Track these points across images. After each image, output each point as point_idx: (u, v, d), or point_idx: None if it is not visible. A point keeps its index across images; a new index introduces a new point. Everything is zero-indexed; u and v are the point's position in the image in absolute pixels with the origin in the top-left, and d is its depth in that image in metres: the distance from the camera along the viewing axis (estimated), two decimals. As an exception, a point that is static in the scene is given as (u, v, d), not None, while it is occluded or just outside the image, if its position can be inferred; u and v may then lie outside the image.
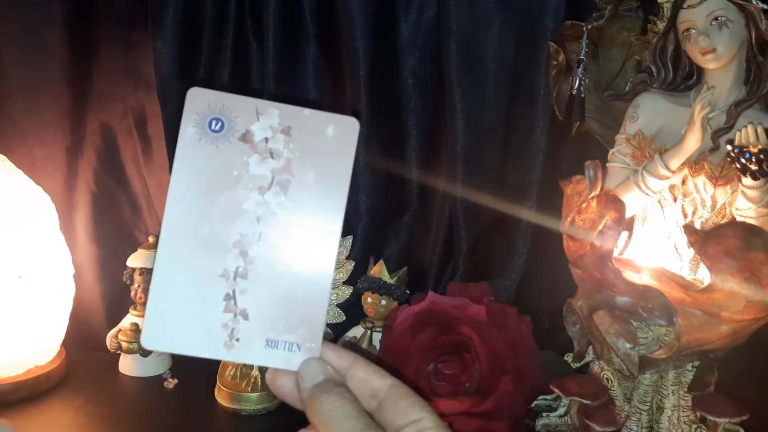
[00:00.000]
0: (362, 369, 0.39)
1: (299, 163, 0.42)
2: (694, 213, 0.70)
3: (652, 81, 0.75)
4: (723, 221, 0.68)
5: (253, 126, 0.43)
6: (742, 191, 0.65)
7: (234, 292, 0.41)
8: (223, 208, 0.42)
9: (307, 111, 0.43)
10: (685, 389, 0.70)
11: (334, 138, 0.43)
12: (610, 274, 0.65)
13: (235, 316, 0.41)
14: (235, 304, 0.41)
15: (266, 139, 0.43)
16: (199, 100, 0.43)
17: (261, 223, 0.42)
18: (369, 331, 0.89)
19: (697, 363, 0.69)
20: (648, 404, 0.72)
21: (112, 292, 1.01)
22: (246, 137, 0.43)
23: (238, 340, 0.41)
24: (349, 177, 0.43)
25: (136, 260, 0.94)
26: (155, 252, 0.99)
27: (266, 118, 0.43)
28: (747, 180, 0.64)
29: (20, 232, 0.83)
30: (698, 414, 0.70)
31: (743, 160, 0.63)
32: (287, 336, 0.41)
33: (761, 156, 0.62)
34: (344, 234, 0.94)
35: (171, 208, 0.43)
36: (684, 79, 0.74)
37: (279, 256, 0.42)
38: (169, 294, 0.41)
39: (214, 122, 0.43)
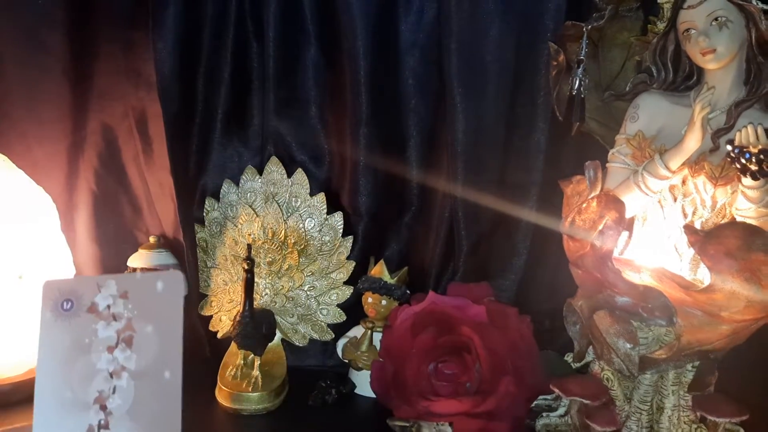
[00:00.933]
0: None
1: (138, 320, 0.51)
2: (694, 213, 0.70)
3: (652, 81, 0.75)
4: (723, 221, 0.68)
5: (96, 297, 0.52)
6: (742, 191, 0.65)
7: None
8: (80, 372, 0.50)
9: (138, 274, 0.54)
10: (686, 389, 0.70)
11: (163, 291, 0.52)
12: (611, 274, 0.65)
13: None
14: None
15: (108, 306, 0.51)
16: (51, 290, 0.52)
17: (114, 378, 0.50)
18: (369, 331, 0.89)
19: (697, 363, 0.69)
20: (648, 404, 0.72)
21: (113, 293, 1.01)
22: (92, 308, 0.52)
23: None
24: (181, 322, 0.52)
25: (136, 260, 0.94)
26: (156, 252, 0.99)
27: (106, 288, 0.52)
28: (747, 180, 0.64)
29: (21, 233, 0.83)
30: (698, 414, 0.70)
31: (743, 161, 0.63)
32: None
33: (761, 156, 0.62)
34: (345, 234, 0.95)
35: (39, 380, 0.51)
36: (684, 79, 0.74)
37: (133, 403, 0.50)
38: None
39: (65, 303, 0.52)
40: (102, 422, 0.50)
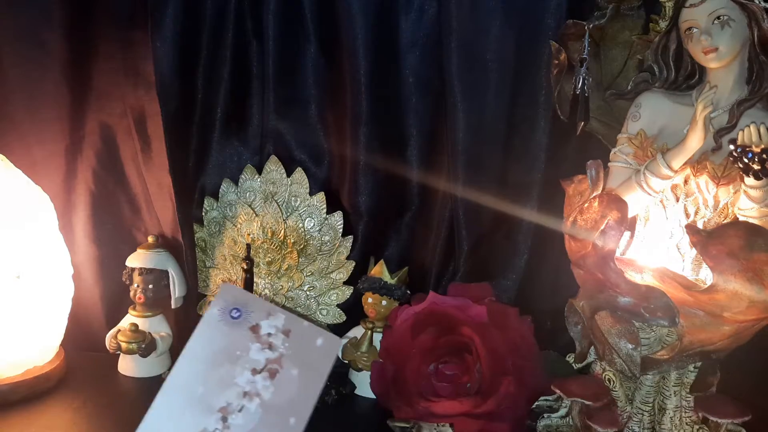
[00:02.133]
0: None
1: (289, 359, 0.53)
2: (696, 213, 0.70)
3: (654, 80, 0.75)
4: (725, 221, 0.68)
5: (263, 322, 0.54)
6: (745, 191, 0.65)
7: None
8: (219, 377, 0.52)
9: (306, 323, 0.55)
10: (688, 390, 0.70)
11: (321, 348, 0.54)
12: (612, 274, 0.65)
13: None
14: None
15: (269, 334, 0.54)
16: (228, 293, 0.55)
17: (245, 398, 0.52)
18: (369, 332, 0.89)
19: (699, 364, 0.69)
20: (650, 405, 0.72)
21: (112, 293, 1.00)
22: (255, 328, 0.54)
23: None
24: (324, 380, 0.54)
25: (135, 260, 0.94)
26: (155, 252, 0.98)
27: (274, 319, 0.54)
28: (749, 180, 0.64)
29: (19, 232, 0.82)
30: (700, 415, 0.70)
31: (746, 160, 0.62)
32: None
33: (764, 155, 0.62)
34: (344, 234, 0.94)
35: (180, 365, 0.53)
36: (686, 78, 0.74)
37: (252, 429, 0.51)
38: None
39: (234, 311, 0.54)
40: None
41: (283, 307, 0.62)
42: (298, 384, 0.52)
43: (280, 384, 0.52)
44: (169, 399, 0.52)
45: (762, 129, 0.63)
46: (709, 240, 0.62)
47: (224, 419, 0.51)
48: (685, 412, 0.71)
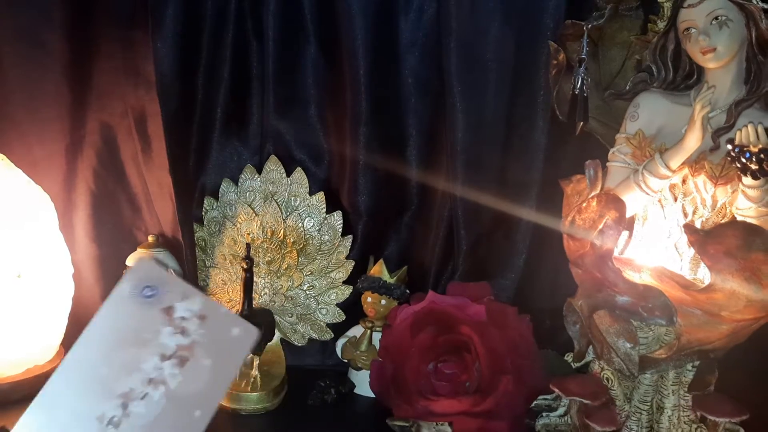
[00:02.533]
0: None
1: (202, 348, 0.49)
2: (694, 212, 0.70)
3: (653, 80, 0.75)
4: (723, 221, 0.68)
5: (178, 304, 0.49)
6: (743, 191, 0.65)
7: None
8: (124, 360, 0.48)
9: (224, 309, 0.51)
10: (686, 389, 0.70)
11: (237, 338, 0.49)
12: (611, 273, 0.65)
13: None
14: None
15: (183, 318, 0.49)
16: (142, 269, 0.50)
17: (150, 385, 0.47)
18: (369, 331, 0.89)
19: (697, 363, 0.69)
20: (648, 404, 0.72)
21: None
22: (168, 310, 0.49)
23: None
24: (236, 373, 0.52)
25: (135, 259, 0.94)
26: (155, 251, 0.98)
27: (190, 302, 0.50)
28: (747, 179, 0.64)
29: (20, 232, 0.83)
30: (698, 414, 0.70)
31: (743, 160, 0.63)
32: None
33: (761, 155, 0.62)
34: (344, 233, 0.94)
35: (83, 341, 0.48)
36: (684, 78, 0.74)
37: (154, 420, 0.47)
38: (47, 411, 0.47)
39: (147, 289, 0.49)
40: (115, 419, 0.47)
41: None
42: (208, 375, 0.48)
43: (189, 373, 0.48)
44: (67, 377, 0.47)
45: (760, 129, 0.63)
46: (707, 239, 0.62)
47: (125, 406, 0.47)
48: (683, 411, 0.71)
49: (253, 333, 0.50)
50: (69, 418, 0.46)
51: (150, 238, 0.95)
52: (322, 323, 0.95)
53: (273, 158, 0.96)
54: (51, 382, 0.47)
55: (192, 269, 0.96)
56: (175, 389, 0.47)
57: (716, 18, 0.68)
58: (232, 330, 0.50)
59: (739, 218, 0.66)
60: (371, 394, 0.85)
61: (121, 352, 0.48)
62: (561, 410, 0.76)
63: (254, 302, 0.87)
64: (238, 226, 0.95)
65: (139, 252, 0.94)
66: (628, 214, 0.68)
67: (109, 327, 0.49)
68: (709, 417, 0.68)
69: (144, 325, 0.49)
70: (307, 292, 0.95)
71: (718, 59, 0.68)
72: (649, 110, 0.73)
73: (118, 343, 0.48)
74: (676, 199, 0.71)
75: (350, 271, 0.95)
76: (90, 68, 0.96)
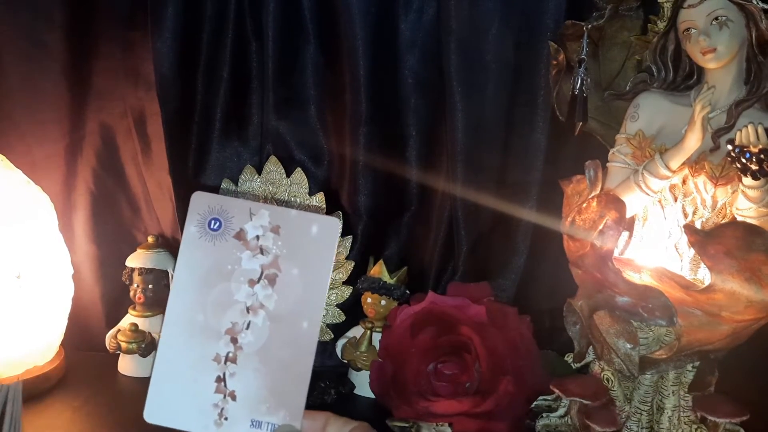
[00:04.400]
0: (333, 423, 0.48)
1: (286, 259, 0.48)
2: (694, 213, 0.70)
3: (653, 81, 0.75)
4: (723, 221, 0.68)
5: (247, 225, 0.48)
6: (743, 191, 0.65)
7: (224, 374, 0.47)
8: (217, 299, 0.48)
9: (294, 212, 0.49)
10: (686, 389, 0.70)
11: (318, 236, 0.48)
12: (611, 274, 0.65)
13: (224, 396, 0.47)
14: (225, 386, 0.47)
15: (257, 237, 0.48)
16: (200, 203, 0.49)
17: (250, 313, 0.47)
18: (369, 332, 0.89)
19: (697, 363, 0.69)
20: (648, 404, 0.72)
21: (111, 292, 1.01)
22: (240, 235, 0.48)
23: (226, 419, 0.46)
24: (330, 271, 0.49)
25: (135, 260, 0.94)
26: (155, 252, 0.98)
27: (258, 218, 0.49)
28: (747, 180, 0.64)
29: (19, 232, 0.82)
30: (699, 414, 0.70)
31: (744, 160, 0.63)
32: (270, 418, 0.46)
33: (762, 156, 0.62)
34: (344, 234, 0.94)
35: (173, 298, 0.49)
36: (684, 78, 0.74)
37: (265, 344, 0.47)
38: (168, 374, 0.47)
39: (212, 222, 0.49)
40: (230, 355, 0.47)
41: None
42: (301, 284, 0.48)
43: (283, 289, 0.48)
44: (171, 334, 0.48)
45: (760, 129, 0.63)
46: (707, 240, 0.62)
47: (234, 340, 0.48)
48: (684, 412, 0.71)
49: (334, 223, 0.49)
50: (189, 369, 0.47)
51: (149, 239, 0.95)
52: (322, 324, 0.95)
53: (273, 159, 0.96)
54: (159, 346, 0.48)
55: (192, 270, 0.96)
56: (275, 308, 0.48)
57: (716, 18, 0.67)
58: (311, 229, 0.49)
59: (739, 219, 0.66)
60: (371, 395, 0.84)
61: (210, 292, 0.48)
62: (561, 411, 0.76)
63: (254, 303, 0.87)
64: (238, 226, 0.95)
65: (139, 252, 0.94)
66: (628, 215, 0.68)
67: (191, 273, 0.49)
68: (710, 417, 0.68)
69: (223, 258, 0.48)
70: (307, 292, 0.95)
71: (719, 59, 0.68)
72: (650, 110, 0.73)
73: (205, 285, 0.48)
74: (676, 200, 0.71)
75: (350, 271, 0.95)
76: (90, 68, 0.96)
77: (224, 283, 0.48)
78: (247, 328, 0.47)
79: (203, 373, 0.47)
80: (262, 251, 0.48)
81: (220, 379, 0.47)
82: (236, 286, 0.48)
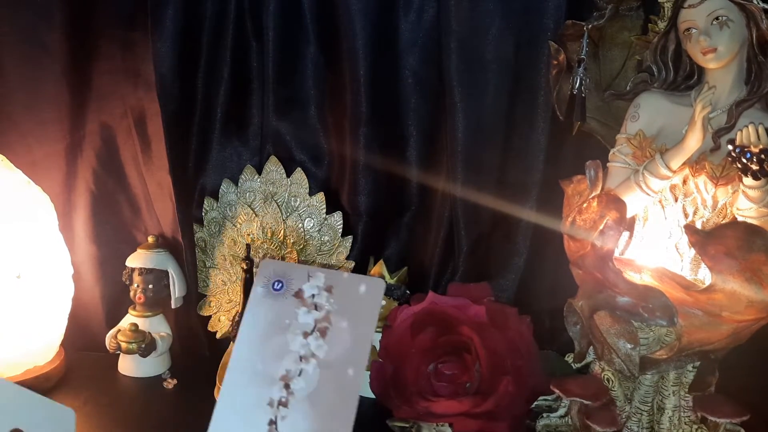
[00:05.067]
0: None
1: (336, 314, 0.54)
2: (695, 213, 0.70)
3: (653, 81, 0.75)
4: (724, 221, 0.68)
5: (305, 285, 0.56)
6: (743, 191, 0.65)
7: (276, 418, 0.52)
8: (274, 349, 0.54)
9: (346, 274, 0.56)
10: (686, 390, 0.70)
11: (365, 293, 0.55)
12: (611, 274, 0.65)
13: None
14: (276, 428, 0.52)
15: (313, 295, 0.55)
16: (267, 269, 0.57)
17: (302, 362, 0.53)
18: (372, 340, 0.89)
19: (698, 363, 0.69)
20: (649, 405, 0.72)
21: (112, 293, 1.01)
22: (298, 294, 0.55)
23: None
24: (375, 325, 0.55)
25: (135, 260, 0.94)
26: (155, 252, 0.99)
27: (315, 279, 0.56)
28: (748, 180, 0.64)
29: (19, 232, 0.83)
30: (699, 414, 0.70)
31: (744, 160, 0.63)
32: None
33: (762, 156, 0.62)
34: (344, 234, 0.94)
35: (238, 347, 0.55)
36: (685, 78, 0.74)
37: (315, 389, 0.52)
38: (227, 416, 0.53)
39: (276, 284, 0.56)
40: (283, 399, 0.52)
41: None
42: (349, 335, 0.54)
43: (333, 339, 0.53)
44: (234, 382, 0.53)
45: (760, 129, 0.63)
46: (707, 240, 0.62)
47: (287, 386, 0.53)
48: (684, 412, 0.71)
49: (380, 283, 0.55)
50: (247, 411, 0.52)
51: (150, 239, 0.95)
52: (322, 324, 0.95)
53: (273, 159, 0.96)
54: (222, 390, 0.54)
55: (192, 270, 0.96)
56: (325, 357, 0.53)
57: (717, 18, 0.67)
58: (360, 288, 0.55)
59: (739, 219, 0.66)
60: (371, 395, 0.84)
61: (269, 343, 0.54)
62: (561, 411, 0.76)
63: (254, 303, 0.87)
64: (238, 226, 0.95)
65: (139, 252, 0.94)
66: (628, 215, 0.68)
67: (255, 326, 0.55)
68: (710, 418, 0.68)
69: (282, 314, 0.55)
70: (307, 292, 0.95)
71: (719, 59, 0.68)
72: (650, 111, 0.73)
73: (265, 337, 0.54)
74: (676, 200, 0.71)
75: (350, 271, 0.95)
76: (90, 69, 0.96)
77: (282, 334, 0.54)
78: (299, 375, 0.53)
79: (258, 416, 0.52)
80: (316, 307, 0.55)
81: (272, 422, 0.52)
82: (292, 337, 0.54)
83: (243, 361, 0.54)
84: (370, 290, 0.55)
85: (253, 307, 0.55)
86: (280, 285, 0.56)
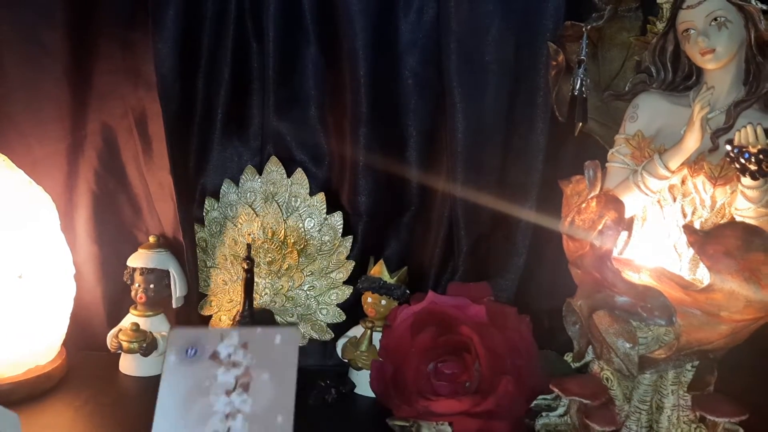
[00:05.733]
0: None
1: (256, 368, 0.54)
2: (693, 213, 0.70)
3: (652, 81, 0.75)
4: (722, 221, 0.68)
5: (219, 347, 0.55)
6: (742, 191, 0.65)
7: None
8: (198, 413, 0.53)
9: (259, 329, 0.56)
10: (685, 389, 0.70)
11: (281, 345, 0.55)
12: (610, 274, 0.65)
13: None
14: None
15: (229, 354, 0.55)
16: (178, 337, 0.56)
17: (229, 419, 0.53)
18: (369, 331, 0.89)
19: (696, 363, 0.69)
20: (647, 404, 0.72)
21: (113, 292, 1.01)
22: (214, 356, 0.55)
23: None
24: (296, 372, 0.54)
25: (136, 260, 0.94)
26: (156, 252, 0.99)
27: (228, 339, 0.55)
28: (746, 180, 0.64)
29: (21, 232, 0.83)
30: (698, 414, 0.70)
31: (742, 160, 0.63)
32: None
33: (760, 156, 0.62)
34: (344, 234, 0.95)
35: (158, 419, 0.54)
36: (683, 79, 0.74)
37: None
38: None
39: (189, 350, 0.55)
40: None
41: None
42: (272, 385, 0.54)
43: (256, 392, 0.53)
44: None
45: (759, 129, 0.63)
46: (706, 240, 0.62)
47: None
48: (683, 411, 0.71)
49: (293, 333, 0.56)
50: None
51: (151, 239, 0.96)
52: (322, 323, 0.95)
53: (273, 159, 0.96)
54: None
55: (193, 270, 0.96)
56: (251, 410, 0.53)
57: (715, 19, 0.68)
58: (275, 339, 0.55)
59: (738, 219, 0.67)
60: (371, 394, 0.85)
61: (192, 408, 0.53)
62: (561, 410, 0.77)
63: (255, 303, 0.87)
64: (239, 226, 0.95)
65: (140, 252, 0.95)
66: (627, 215, 0.68)
67: (173, 395, 0.54)
68: (709, 417, 0.69)
69: (200, 378, 0.54)
70: (308, 292, 0.95)
71: (717, 60, 0.69)
72: (649, 111, 0.73)
73: (186, 404, 0.54)
74: (675, 200, 0.71)
75: (350, 271, 0.95)
76: (90, 69, 0.96)
77: (203, 397, 0.54)
78: None
79: None
80: (234, 365, 0.55)
81: None
82: (214, 398, 0.54)
83: (166, 431, 0.53)
84: (286, 339, 0.55)
85: (169, 377, 0.55)
86: (194, 351, 0.55)
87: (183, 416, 0.53)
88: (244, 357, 0.55)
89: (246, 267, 0.83)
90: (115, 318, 0.98)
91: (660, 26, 0.74)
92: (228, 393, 0.54)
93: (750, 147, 0.62)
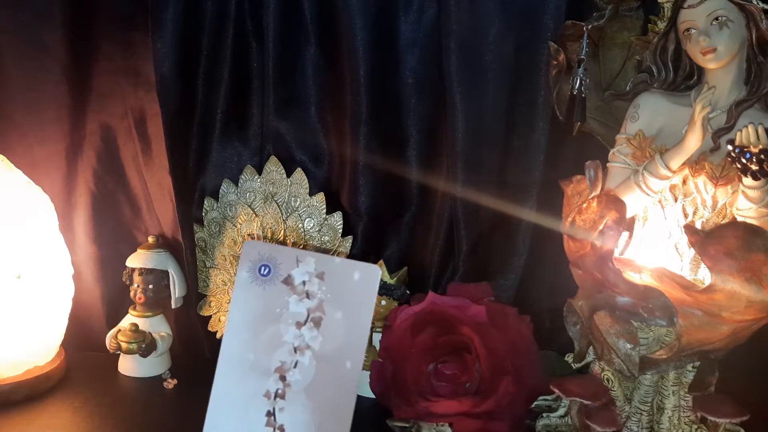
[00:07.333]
0: None
1: (330, 304, 0.53)
2: (694, 213, 0.70)
3: (653, 81, 0.75)
4: (724, 221, 0.68)
5: (294, 271, 0.54)
6: (743, 191, 0.65)
7: (274, 410, 0.52)
8: (267, 340, 0.53)
9: (338, 259, 0.54)
10: (686, 390, 0.70)
11: (359, 282, 0.53)
12: (611, 274, 0.65)
13: (274, 430, 0.51)
14: (275, 420, 0.51)
15: (304, 282, 0.53)
16: (252, 251, 0.54)
17: (297, 353, 0.52)
18: (369, 332, 0.89)
19: (697, 363, 0.69)
20: (648, 405, 0.72)
21: (112, 293, 1.01)
22: (288, 281, 0.53)
23: None
24: (371, 315, 0.53)
25: (135, 260, 0.94)
26: (155, 252, 0.99)
27: (304, 265, 0.54)
28: (748, 180, 0.64)
29: (20, 232, 0.83)
30: (699, 414, 0.70)
31: (744, 160, 0.63)
32: None
33: (762, 156, 0.62)
34: (344, 234, 0.94)
35: (227, 338, 0.53)
36: (684, 78, 0.74)
37: (312, 382, 0.52)
38: (223, 408, 0.52)
39: (263, 268, 0.54)
40: (279, 391, 0.52)
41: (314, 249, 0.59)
42: (344, 327, 0.52)
43: (327, 331, 0.52)
44: (226, 374, 0.52)
45: (760, 129, 0.63)
46: (707, 240, 0.62)
47: (283, 378, 0.52)
48: (684, 412, 0.71)
49: (374, 270, 0.54)
50: (242, 404, 0.52)
51: (150, 239, 0.95)
52: (322, 324, 0.95)
53: (273, 159, 0.96)
54: (215, 382, 0.53)
55: (192, 270, 0.96)
56: (320, 349, 0.52)
57: (716, 18, 0.68)
58: (354, 275, 0.53)
59: (739, 219, 0.67)
60: (371, 395, 0.84)
61: (261, 333, 0.53)
62: (561, 411, 0.76)
63: (254, 303, 0.87)
64: (239, 226, 0.95)
65: (140, 252, 0.94)
66: (628, 215, 0.68)
67: (243, 315, 0.53)
68: (710, 418, 0.68)
69: (272, 302, 0.53)
70: (308, 292, 0.95)
71: (719, 60, 0.68)
72: (650, 111, 0.73)
73: (255, 327, 0.53)
74: (676, 200, 0.71)
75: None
76: (90, 69, 0.96)
77: (273, 325, 0.53)
78: (295, 366, 0.52)
79: (255, 408, 0.51)
80: (308, 296, 0.53)
81: (270, 414, 0.51)
82: (285, 327, 0.52)
83: (234, 353, 0.53)
84: (365, 277, 0.53)
85: (240, 294, 0.53)
86: (267, 270, 0.53)
87: (252, 339, 0.52)
88: (319, 288, 0.53)
89: (246, 267, 0.83)
90: (114, 318, 0.98)
91: (661, 26, 0.73)
92: (299, 325, 0.52)
93: (751, 147, 0.62)
